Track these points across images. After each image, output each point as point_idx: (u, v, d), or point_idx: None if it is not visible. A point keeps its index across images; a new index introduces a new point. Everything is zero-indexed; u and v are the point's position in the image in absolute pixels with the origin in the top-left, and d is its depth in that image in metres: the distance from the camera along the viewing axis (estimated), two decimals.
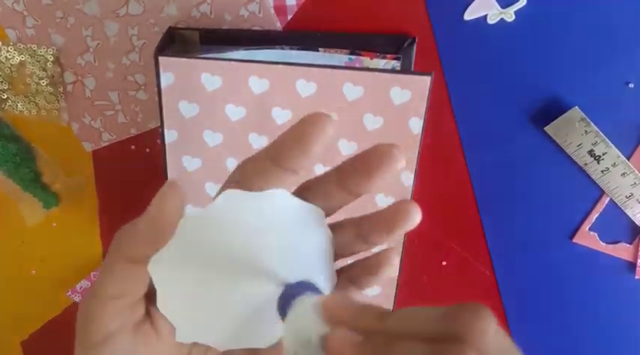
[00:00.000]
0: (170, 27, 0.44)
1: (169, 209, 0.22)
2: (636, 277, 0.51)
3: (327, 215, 0.25)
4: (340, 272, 0.26)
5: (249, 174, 0.23)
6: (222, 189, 0.24)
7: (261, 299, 0.25)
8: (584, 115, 0.44)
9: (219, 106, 0.40)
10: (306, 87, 0.39)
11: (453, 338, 0.18)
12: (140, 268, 0.23)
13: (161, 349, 0.25)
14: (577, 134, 0.45)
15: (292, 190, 0.24)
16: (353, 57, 0.44)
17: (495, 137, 0.47)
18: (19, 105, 0.48)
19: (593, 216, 0.49)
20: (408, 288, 0.52)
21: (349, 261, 0.26)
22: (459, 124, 0.47)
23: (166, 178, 0.42)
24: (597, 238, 0.50)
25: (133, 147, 0.50)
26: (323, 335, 0.20)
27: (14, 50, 0.46)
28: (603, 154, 0.46)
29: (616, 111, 0.45)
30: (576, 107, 0.44)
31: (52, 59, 0.46)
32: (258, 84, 0.39)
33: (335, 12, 0.44)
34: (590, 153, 0.46)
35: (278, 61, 0.39)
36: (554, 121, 0.45)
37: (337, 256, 0.26)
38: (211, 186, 0.43)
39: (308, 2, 0.44)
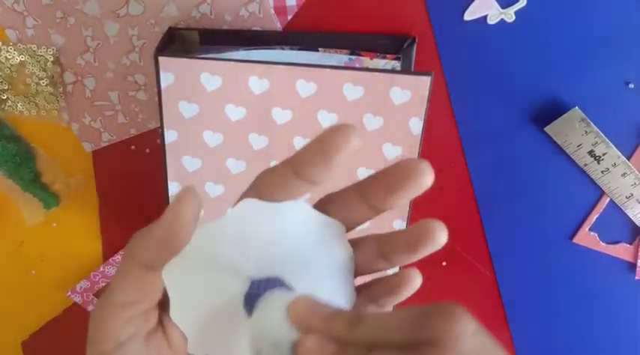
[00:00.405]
0: (170, 27, 0.44)
1: (186, 215, 0.21)
2: (636, 277, 0.51)
3: (348, 230, 0.24)
4: (360, 290, 0.25)
5: (270, 185, 0.23)
6: (241, 197, 0.23)
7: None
8: (584, 116, 0.44)
9: (219, 106, 0.40)
10: (306, 87, 0.39)
11: (427, 343, 0.17)
12: (154, 275, 0.22)
13: None
14: (577, 134, 0.45)
15: (313, 202, 0.24)
16: (353, 57, 0.44)
17: (495, 137, 0.47)
18: (19, 105, 0.48)
19: (593, 217, 0.49)
20: None
21: (368, 278, 0.25)
22: (458, 124, 0.47)
23: (166, 178, 0.42)
24: (597, 238, 0.50)
25: (132, 147, 0.50)
26: (293, 341, 0.19)
27: (14, 50, 0.46)
28: (603, 155, 0.46)
29: (616, 111, 0.45)
30: (576, 107, 0.44)
31: (52, 59, 0.46)
32: (258, 84, 0.39)
33: (335, 12, 0.44)
34: (591, 153, 0.46)
35: (278, 61, 0.39)
36: (555, 122, 0.45)
37: (356, 273, 0.25)
38: (211, 186, 0.43)
39: (308, 2, 0.44)
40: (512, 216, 0.50)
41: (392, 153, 0.41)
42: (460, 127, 0.47)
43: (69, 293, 0.57)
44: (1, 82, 0.47)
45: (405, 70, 0.43)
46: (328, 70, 0.39)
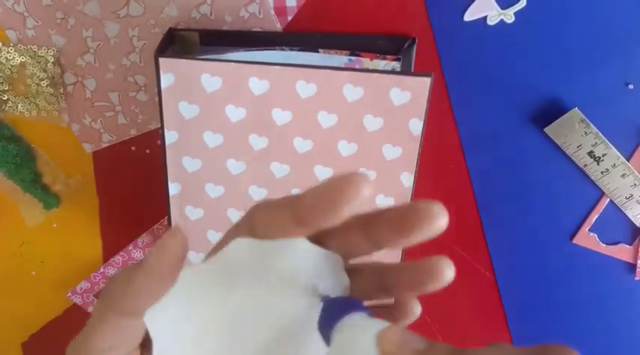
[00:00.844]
0: (170, 28, 0.44)
1: (170, 259, 0.20)
2: (636, 278, 0.51)
3: (346, 261, 0.23)
4: None
5: (265, 226, 0.21)
6: (230, 233, 0.22)
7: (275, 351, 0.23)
8: (584, 116, 0.44)
9: (219, 107, 0.40)
10: (306, 88, 0.39)
11: None
12: (135, 321, 0.21)
13: None
14: (577, 135, 0.45)
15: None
16: (353, 58, 0.44)
17: (495, 137, 0.47)
18: (19, 106, 0.48)
19: (593, 217, 0.49)
20: None
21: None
22: (458, 125, 0.47)
23: (167, 179, 0.42)
24: (597, 239, 0.50)
25: (133, 148, 0.50)
26: None
27: (15, 51, 0.46)
28: (603, 155, 0.46)
29: (616, 112, 0.45)
30: (576, 108, 0.44)
31: (52, 60, 0.46)
32: (258, 85, 0.39)
33: (335, 13, 0.44)
34: (590, 154, 0.46)
35: (278, 62, 0.39)
36: (554, 122, 0.45)
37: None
38: (211, 187, 0.43)
39: (308, 3, 0.44)
40: (512, 217, 0.50)
41: (392, 153, 0.41)
42: (460, 127, 0.47)
43: (69, 294, 0.57)
44: (2, 82, 0.47)
45: (405, 71, 0.43)
46: (328, 70, 0.39)
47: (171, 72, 0.39)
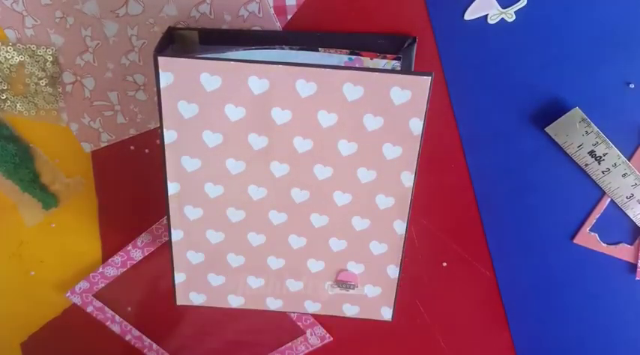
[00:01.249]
0: (169, 27, 0.44)
1: None
2: (637, 278, 0.51)
3: None
4: None
5: None
6: None
7: None
8: (584, 116, 0.44)
9: (218, 106, 0.40)
10: (305, 87, 0.39)
11: None
12: None
13: None
14: (578, 134, 0.45)
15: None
16: (353, 57, 0.43)
17: (496, 137, 0.47)
18: (18, 105, 0.48)
19: (594, 217, 0.49)
20: (408, 289, 0.52)
21: None
22: (459, 124, 0.47)
23: (166, 179, 0.42)
24: (598, 239, 0.50)
25: (132, 147, 0.50)
26: None
27: (13, 50, 0.46)
28: (604, 155, 0.45)
29: (617, 111, 0.45)
30: (577, 108, 0.44)
31: (51, 59, 0.46)
32: (257, 84, 0.39)
33: (335, 12, 0.44)
34: (591, 153, 0.46)
35: (278, 61, 0.39)
36: (555, 122, 0.45)
37: None
38: (211, 186, 0.43)
39: (308, 2, 0.44)
40: (513, 216, 0.50)
41: (392, 153, 0.41)
42: (460, 126, 0.47)
43: (68, 294, 0.57)
44: (1, 82, 0.47)
45: (405, 70, 0.43)
46: (328, 69, 0.39)
47: (171, 71, 0.38)
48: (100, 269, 0.56)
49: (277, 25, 0.45)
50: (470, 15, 0.43)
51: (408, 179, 0.42)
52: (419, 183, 0.44)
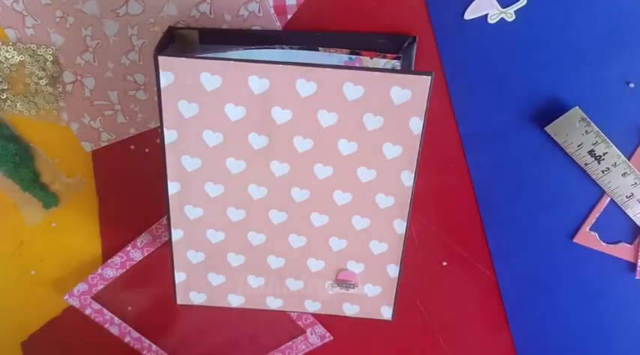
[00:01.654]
0: (170, 26, 0.44)
1: None
2: (636, 277, 0.51)
3: None
4: None
5: None
6: None
7: None
8: (584, 115, 0.44)
9: (218, 106, 0.40)
10: (306, 86, 0.39)
11: None
12: None
13: None
14: (577, 134, 0.45)
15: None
16: (353, 56, 0.43)
17: (495, 137, 0.47)
18: (18, 105, 0.48)
19: (594, 216, 0.49)
20: (408, 288, 0.52)
21: None
22: (459, 123, 0.47)
23: (166, 178, 0.42)
24: (598, 238, 0.50)
25: (132, 147, 0.50)
26: None
27: (14, 50, 0.46)
28: (604, 154, 0.45)
29: (617, 111, 0.45)
30: (577, 107, 0.44)
31: (51, 59, 0.46)
32: (257, 83, 0.39)
33: (335, 12, 0.44)
34: (591, 153, 0.46)
35: (278, 60, 0.39)
36: (555, 121, 0.45)
37: None
38: (211, 185, 0.43)
39: (308, 2, 0.44)
40: (513, 216, 0.50)
41: (392, 152, 0.41)
42: (460, 126, 0.47)
43: (66, 296, 0.57)
44: (1, 81, 0.47)
45: (405, 70, 0.43)
46: (328, 69, 0.39)
47: (171, 70, 0.38)
48: (99, 271, 0.56)
49: (277, 25, 0.45)
50: (470, 14, 0.43)
51: (408, 178, 0.42)
52: (419, 183, 0.44)
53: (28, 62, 0.46)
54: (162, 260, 0.55)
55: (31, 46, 0.46)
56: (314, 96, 0.39)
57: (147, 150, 0.50)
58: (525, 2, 0.42)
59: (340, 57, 0.43)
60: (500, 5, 0.43)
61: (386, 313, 0.49)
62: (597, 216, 0.49)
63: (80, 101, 0.48)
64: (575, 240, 0.50)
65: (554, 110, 0.45)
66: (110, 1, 0.44)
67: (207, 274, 0.47)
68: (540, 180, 0.48)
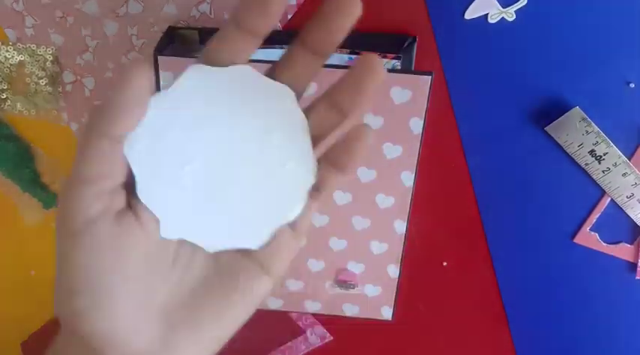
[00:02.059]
0: (170, 26, 0.44)
1: (138, 81, 0.21)
2: (637, 277, 0.51)
3: (298, 95, 0.25)
4: (320, 160, 0.25)
5: (215, 44, 0.23)
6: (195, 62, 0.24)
7: (248, 190, 0.25)
8: (585, 115, 0.44)
9: None
10: None
11: None
12: (116, 147, 0.22)
13: (145, 243, 0.24)
14: (578, 134, 0.45)
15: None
16: (353, 56, 0.43)
17: (495, 137, 0.47)
18: (18, 105, 0.48)
19: (594, 217, 0.49)
20: (408, 288, 0.52)
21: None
22: (459, 123, 0.47)
23: None
24: (598, 238, 0.50)
25: None
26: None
27: (13, 50, 0.46)
28: (604, 154, 0.45)
29: (617, 111, 0.45)
30: (577, 107, 0.44)
31: (51, 59, 0.46)
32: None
33: None
34: (591, 153, 0.46)
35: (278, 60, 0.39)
36: (555, 121, 0.45)
37: (315, 139, 0.25)
38: None
39: (308, 2, 0.44)
40: (513, 216, 0.50)
41: (392, 152, 0.41)
42: (461, 126, 0.47)
43: None
44: (1, 81, 0.47)
45: (406, 70, 0.43)
46: (328, 69, 0.39)
47: (171, 70, 0.38)
48: None
49: (277, 25, 0.45)
50: (470, 14, 0.43)
51: (408, 178, 0.42)
52: (419, 183, 0.44)
53: (28, 62, 0.46)
54: None
55: (31, 46, 0.46)
56: (314, 96, 0.39)
57: None
58: (525, 2, 0.42)
59: (340, 57, 0.43)
60: (500, 5, 0.43)
61: (386, 313, 0.49)
62: (597, 216, 0.49)
63: (80, 101, 0.48)
64: (575, 240, 0.50)
65: (554, 110, 0.45)
66: (110, 1, 0.44)
67: None
68: (540, 180, 0.48)
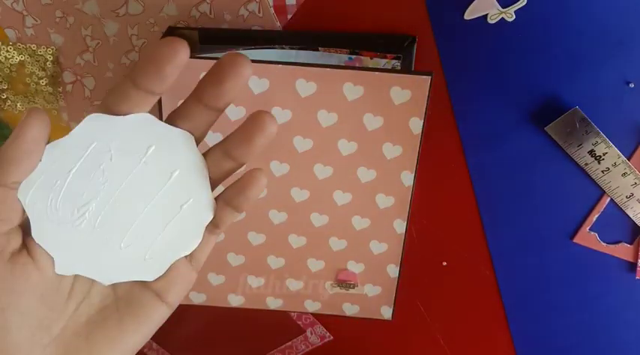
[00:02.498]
0: (170, 26, 0.44)
1: (32, 133, 0.22)
2: (637, 277, 0.51)
3: (197, 140, 0.26)
4: (217, 198, 0.27)
5: (114, 99, 0.24)
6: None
7: (146, 227, 0.26)
8: (584, 115, 0.44)
9: None
10: (305, 86, 0.39)
11: None
12: (9, 194, 0.23)
13: (40, 281, 0.25)
14: (578, 134, 0.45)
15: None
16: (353, 56, 0.43)
17: (495, 137, 0.47)
18: (18, 105, 0.48)
19: (594, 216, 0.49)
20: (408, 288, 0.52)
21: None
22: (459, 124, 0.47)
23: None
24: (597, 238, 0.50)
25: None
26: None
27: (14, 50, 0.46)
28: (604, 154, 0.45)
29: (617, 110, 0.45)
30: (577, 107, 0.44)
31: (51, 59, 0.46)
32: (257, 83, 0.39)
33: (335, 12, 0.44)
34: (591, 153, 0.46)
35: (278, 60, 0.39)
36: (555, 121, 0.45)
37: (214, 181, 0.27)
38: None
39: (308, 2, 0.44)
40: (513, 216, 0.50)
41: (392, 152, 0.41)
42: (460, 126, 0.47)
43: None
44: (1, 81, 0.47)
45: (405, 70, 0.43)
46: (328, 69, 0.39)
47: None
48: None
49: (277, 25, 0.45)
50: (470, 14, 0.43)
51: (408, 178, 0.42)
52: (419, 183, 0.44)
53: (28, 62, 0.46)
54: None
55: (31, 46, 0.46)
56: (314, 96, 0.39)
57: None
58: (525, 2, 0.42)
59: (340, 57, 0.43)
60: (500, 5, 0.43)
61: (386, 313, 0.49)
62: (597, 216, 0.49)
63: (80, 101, 0.48)
64: (575, 240, 0.50)
65: (554, 110, 0.45)
66: (110, 1, 0.44)
67: (207, 274, 0.47)
68: (540, 180, 0.48)
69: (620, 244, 0.50)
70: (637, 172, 0.46)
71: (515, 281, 0.53)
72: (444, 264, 0.53)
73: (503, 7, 0.43)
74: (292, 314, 0.57)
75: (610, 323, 0.53)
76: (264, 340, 0.60)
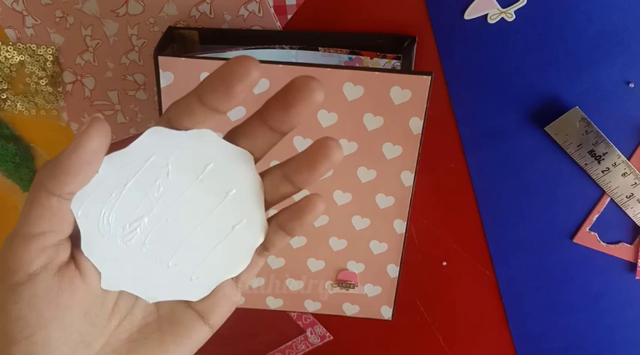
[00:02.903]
0: (170, 26, 0.44)
1: (93, 144, 0.22)
2: (636, 277, 0.51)
3: (256, 159, 0.25)
4: (270, 220, 0.26)
5: (177, 113, 0.23)
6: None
7: (196, 247, 0.25)
8: (584, 115, 0.44)
9: None
10: None
11: None
12: (64, 205, 0.23)
13: (86, 296, 0.24)
14: (578, 134, 0.45)
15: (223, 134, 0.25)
16: (353, 56, 0.43)
17: (496, 136, 0.47)
18: (18, 105, 0.48)
19: (594, 216, 0.49)
20: (408, 288, 0.52)
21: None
22: (459, 124, 0.47)
23: None
24: (597, 238, 0.50)
25: None
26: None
27: (14, 50, 0.46)
28: (604, 154, 0.45)
29: (617, 110, 0.45)
30: (577, 107, 0.44)
31: (51, 59, 0.46)
32: (257, 83, 0.39)
33: (335, 12, 0.44)
34: (591, 153, 0.46)
35: (278, 60, 0.39)
36: (555, 121, 0.45)
37: (267, 203, 0.26)
38: None
39: (308, 2, 0.44)
40: (513, 216, 0.50)
41: (392, 152, 0.41)
42: (460, 126, 0.47)
43: None
44: (1, 81, 0.47)
45: (405, 70, 0.43)
46: (328, 69, 0.39)
47: (171, 70, 0.39)
48: None
49: (277, 25, 0.45)
50: (470, 14, 0.43)
51: (408, 178, 0.42)
52: (419, 183, 0.44)
53: (28, 62, 0.46)
54: None
55: (31, 46, 0.46)
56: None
57: None
58: (525, 2, 0.42)
59: (340, 57, 0.43)
60: (500, 5, 0.43)
61: (386, 313, 0.49)
62: (597, 216, 0.49)
63: (80, 101, 0.48)
64: (575, 240, 0.50)
65: (554, 110, 0.45)
66: (110, 1, 0.44)
67: None
68: (540, 180, 0.48)
69: (620, 244, 0.50)
70: (637, 172, 0.46)
71: (515, 281, 0.53)
72: (444, 263, 0.53)
73: (503, 7, 0.43)
74: (292, 314, 0.57)
75: (610, 323, 0.53)
76: (264, 340, 0.60)
